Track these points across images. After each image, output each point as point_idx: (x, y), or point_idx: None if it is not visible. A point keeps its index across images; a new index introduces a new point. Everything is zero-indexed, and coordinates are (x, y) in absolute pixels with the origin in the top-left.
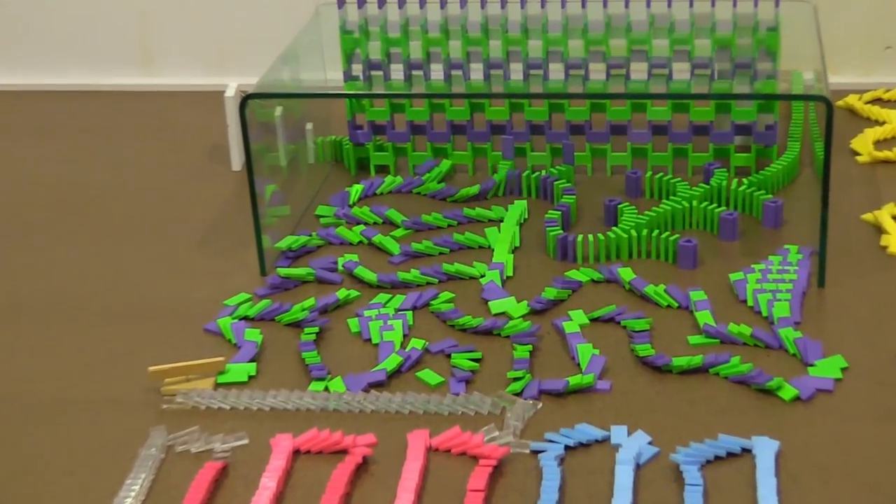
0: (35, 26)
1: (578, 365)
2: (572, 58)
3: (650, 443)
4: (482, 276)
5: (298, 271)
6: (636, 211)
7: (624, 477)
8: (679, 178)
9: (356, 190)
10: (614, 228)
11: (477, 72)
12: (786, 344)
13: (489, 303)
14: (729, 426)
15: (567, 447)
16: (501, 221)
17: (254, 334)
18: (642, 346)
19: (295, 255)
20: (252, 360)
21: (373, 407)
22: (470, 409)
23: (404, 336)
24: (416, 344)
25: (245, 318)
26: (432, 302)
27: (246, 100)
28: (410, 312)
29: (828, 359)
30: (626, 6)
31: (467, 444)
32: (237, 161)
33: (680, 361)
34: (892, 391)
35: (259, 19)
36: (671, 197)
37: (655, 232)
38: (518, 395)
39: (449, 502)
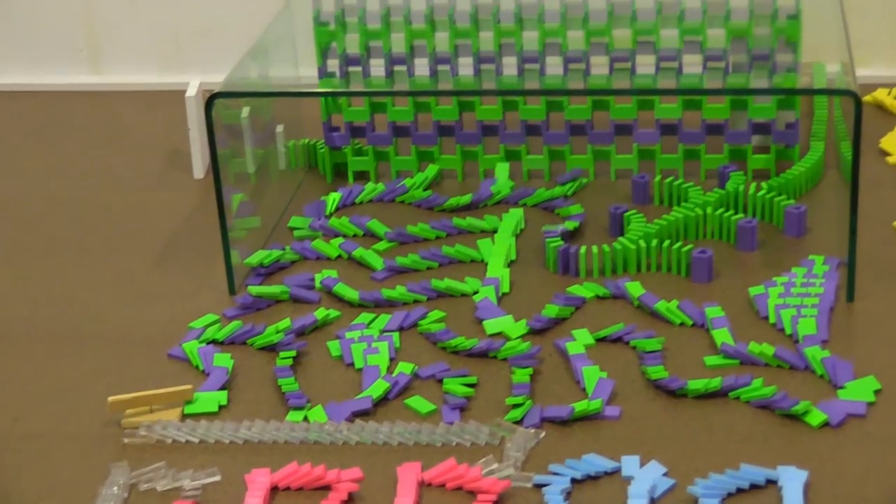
0: None
1: (584, 389)
2: (571, 50)
3: (665, 474)
4: (475, 293)
5: (271, 289)
6: (644, 219)
7: None
8: (691, 183)
9: (333, 199)
10: (621, 239)
11: (466, 67)
12: (812, 364)
13: (484, 322)
14: (752, 455)
15: (574, 480)
16: (495, 232)
17: (224, 359)
18: (654, 369)
19: (267, 272)
20: (222, 388)
21: (358, 438)
22: (465, 439)
23: (391, 360)
24: (405, 368)
25: (213, 342)
26: (421, 322)
27: (212, 99)
28: (397, 334)
29: (859, 380)
30: None
31: (463, 477)
32: (200, 168)
33: (696, 385)
34: None
35: (221, 10)
36: (683, 203)
37: (666, 242)
38: (518, 423)
39: None
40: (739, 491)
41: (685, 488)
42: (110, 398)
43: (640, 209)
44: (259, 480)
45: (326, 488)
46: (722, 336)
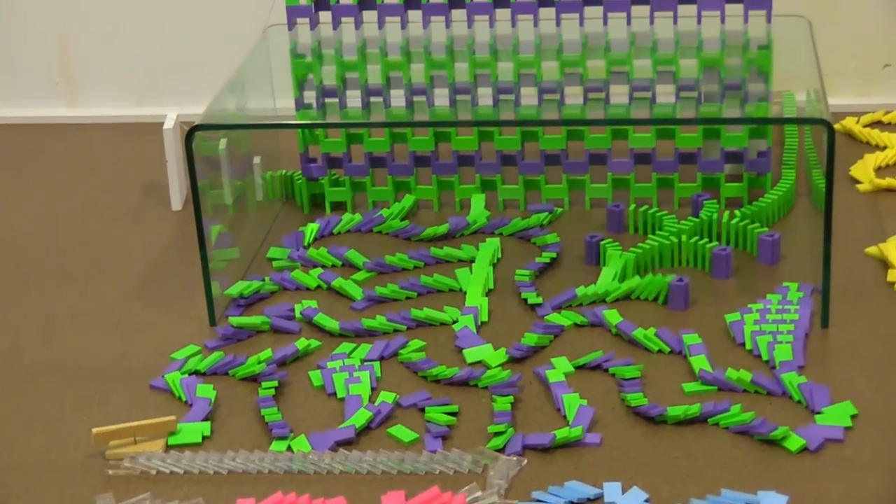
0: None
1: (565, 417)
2: (546, 81)
3: (647, 500)
4: (455, 322)
5: (252, 320)
6: (620, 248)
7: None
8: (665, 211)
9: (311, 229)
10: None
11: (442, 98)
12: (790, 390)
13: (464, 351)
14: (732, 480)
15: None
16: (473, 262)
17: (206, 390)
18: (634, 396)
19: (247, 303)
20: (206, 419)
21: (342, 467)
22: (448, 467)
23: (372, 389)
24: (386, 397)
25: (195, 373)
26: (401, 351)
27: (193, 132)
28: (378, 363)
29: (836, 405)
30: (605, 24)
31: None
32: (178, 200)
33: (676, 411)
34: None
35: (196, 42)
36: (658, 232)
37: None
38: (500, 451)
39: None
40: None
41: None
42: (94, 430)
43: (616, 237)
44: None
45: None
46: (700, 363)
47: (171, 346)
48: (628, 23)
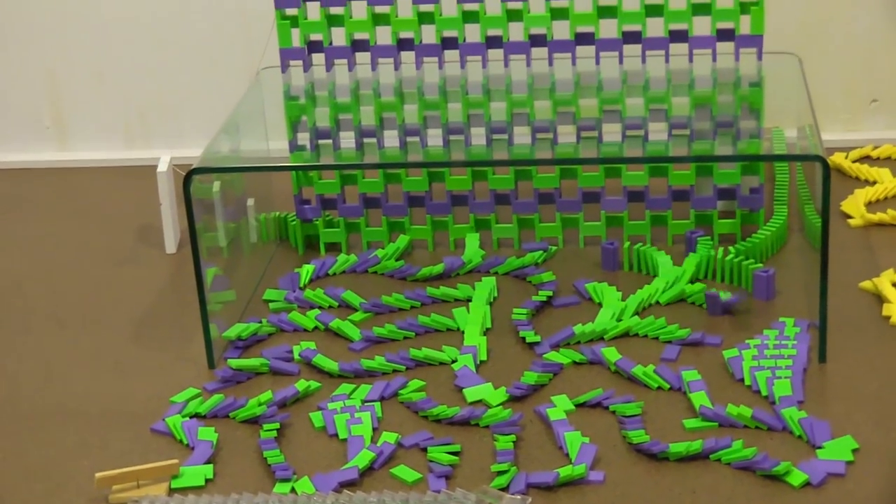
0: None
1: (567, 455)
2: (539, 120)
3: None
4: (454, 362)
5: (251, 362)
6: (616, 289)
7: None
8: (660, 251)
9: (306, 271)
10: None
11: (435, 138)
12: (790, 425)
13: (464, 390)
14: None
15: None
16: (469, 301)
17: (208, 433)
18: (636, 433)
19: (245, 345)
20: (208, 462)
21: None
22: None
23: (374, 429)
24: (388, 438)
25: (196, 416)
26: (401, 391)
27: (191, 175)
28: (378, 403)
29: (837, 440)
30: (597, 63)
31: None
32: (171, 243)
33: (678, 448)
34: None
35: (185, 85)
36: (656, 279)
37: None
38: (504, 489)
39: None
40: None
41: None
42: (97, 474)
43: (610, 275)
44: None
45: None
46: (700, 399)
47: (170, 390)
48: (620, 62)
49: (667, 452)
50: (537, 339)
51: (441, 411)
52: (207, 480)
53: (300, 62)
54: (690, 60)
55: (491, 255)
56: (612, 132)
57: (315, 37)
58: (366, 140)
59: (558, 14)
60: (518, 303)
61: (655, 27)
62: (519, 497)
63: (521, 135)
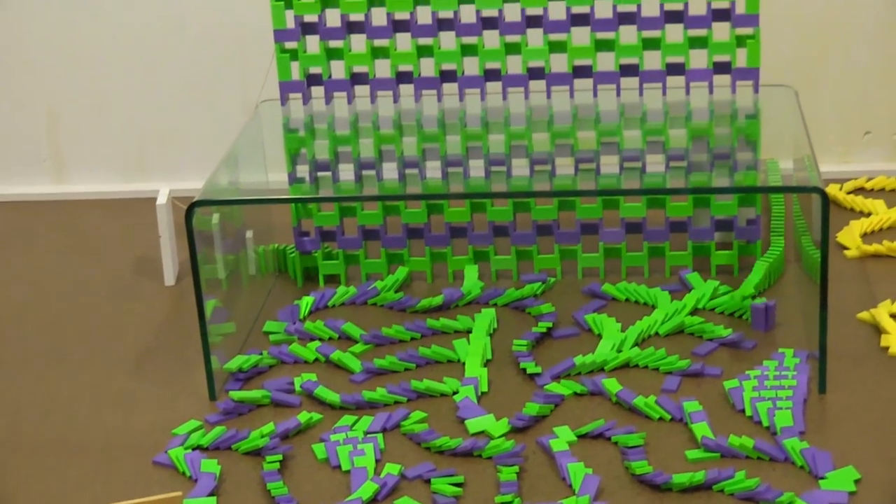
0: None
1: (571, 486)
2: (537, 152)
3: None
4: (455, 393)
5: (252, 394)
6: (615, 320)
7: None
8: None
9: (306, 303)
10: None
11: (434, 170)
12: (792, 456)
13: (466, 422)
14: None
15: None
16: (469, 332)
17: (210, 465)
18: (638, 464)
19: (246, 377)
20: (211, 494)
21: None
22: None
23: (377, 461)
24: (391, 469)
25: (199, 448)
26: (403, 423)
27: (192, 207)
28: (381, 435)
29: (839, 470)
30: (595, 96)
31: None
32: (170, 275)
33: (681, 479)
34: None
35: (182, 118)
36: (655, 312)
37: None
38: None
39: None
40: None
41: None
42: None
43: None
44: None
45: None
46: (701, 430)
47: (171, 422)
48: (618, 94)
49: (670, 483)
50: (538, 370)
51: (444, 442)
52: None
53: (300, 95)
54: (687, 93)
55: (490, 286)
56: (609, 164)
57: (314, 70)
58: (365, 172)
59: (556, 47)
60: (518, 334)
61: (653, 60)
62: None
63: (520, 167)
